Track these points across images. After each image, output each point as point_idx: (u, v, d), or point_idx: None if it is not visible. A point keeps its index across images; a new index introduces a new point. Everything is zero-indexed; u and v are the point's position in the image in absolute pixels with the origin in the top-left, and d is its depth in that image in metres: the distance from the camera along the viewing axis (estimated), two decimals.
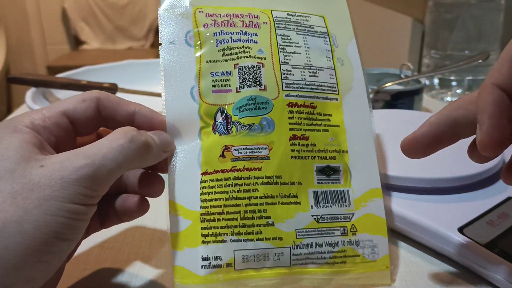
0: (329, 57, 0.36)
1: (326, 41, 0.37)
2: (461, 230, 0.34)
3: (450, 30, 0.74)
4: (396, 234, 0.39)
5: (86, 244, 0.37)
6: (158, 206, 0.36)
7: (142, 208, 0.32)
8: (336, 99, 0.35)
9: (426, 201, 0.37)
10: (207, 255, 0.31)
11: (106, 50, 2.80)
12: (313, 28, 0.37)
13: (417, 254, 0.36)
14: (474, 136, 0.27)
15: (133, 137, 0.28)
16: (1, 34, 2.30)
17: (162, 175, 0.33)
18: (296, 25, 0.37)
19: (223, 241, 0.31)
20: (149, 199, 0.32)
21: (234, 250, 0.31)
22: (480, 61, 0.65)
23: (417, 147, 0.28)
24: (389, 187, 0.39)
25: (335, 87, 0.36)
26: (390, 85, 0.64)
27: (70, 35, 2.81)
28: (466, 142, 0.29)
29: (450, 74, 0.76)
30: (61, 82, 0.70)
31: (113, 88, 0.69)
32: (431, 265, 0.35)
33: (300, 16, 0.37)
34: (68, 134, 0.30)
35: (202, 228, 0.31)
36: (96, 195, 0.27)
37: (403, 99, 0.63)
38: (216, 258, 0.31)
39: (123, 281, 0.33)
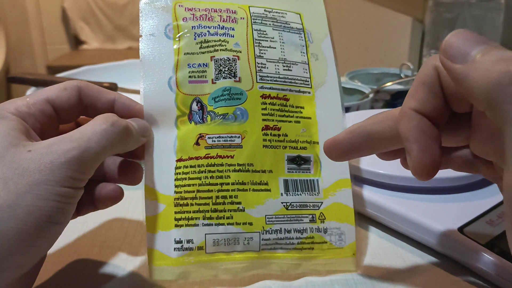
0: (304, 52, 0.38)
1: (301, 37, 0.38)
2: (461, 230, 0.34)
3: (450, 30, 0.74)
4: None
5: (86, 243, 0.38)
6: None
7: (117, 196, 0.33)
8: (309, 93, 0.37)
9: (426, 201, 0.38)
10: (180, 238, 0.32)
11: (106, 50, 2.80)
12: (289, 24, 0.39)
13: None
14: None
15: (114, 122, 0.29)
16: (1, 34, 2.31)
17: (140, 162, 0.34)
18: (273, 21, 0.38)
19: (195, 225, 0.32)
20: None
21: (205, 234, 0.32)
22: None
23: (334, 151, 0.29)
24: (390, 186, 0.40)
25: (308, 81, 0.37)
26: (390, 85, 0.65)
27: (70, 34, 2.82)
28: None
29: None
30: (61, 82, 0.70)
31: (113, 88, 0.69)
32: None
33: (276, 12, 0.39)
34: (52, 120, 0.31)
35: (175, 212, 0.32)
36: (83, 178, 0.27)
37: (403, 99, 0.63)
38: (188, 241, 0.32)
39: (123, 281, 0.34)
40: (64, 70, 0.80)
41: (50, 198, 0.25)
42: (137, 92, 0.69)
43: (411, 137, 0.25)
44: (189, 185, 0.33)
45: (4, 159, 0.25)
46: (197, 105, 0.34)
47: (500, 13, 0.73)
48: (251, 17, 0.38)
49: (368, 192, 0.40)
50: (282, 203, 0.33)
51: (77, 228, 0.40)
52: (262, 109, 0.35)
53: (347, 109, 0.55)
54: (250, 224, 0.32)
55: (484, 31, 0.73)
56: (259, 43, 0.37)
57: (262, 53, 0.36)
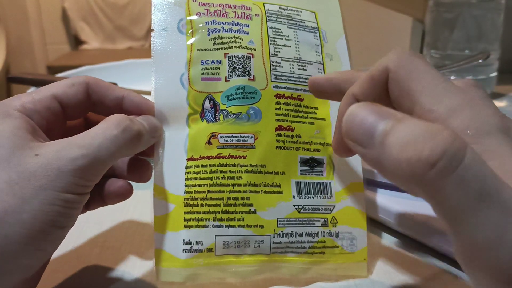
0: (318, 52, 0.37)
1: (316, 36, 0.38)
2: None
3: (450, 30, 0.74)
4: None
5: (87, 244, 0.38)
6: None
7: (126, 192, 0.32)
8: None
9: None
10: (189, 239, 0.31)
11: (106, 50, 2.80)
12: (304, 22, 0.38)
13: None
14: None
15: (127, 127, 0.28)
16: (1, 34, 2.31)
17: (149, 160, 0.33)
18: (288, 19, 0.37)
19: (205, 226, 0.31)
20: None
21: (215, 236, 0.31)
22: (480, 60, 0.65)
23: (313, 90, 0.33)
24: (391, 186, 0.39)
25: None
26: None
27: (70, 34, 2.82)
28: None
29: (450, 74, 0.75)
30: None
31: None
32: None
33: (291, 10, 0.38)
34: (58, 117, 0.30)
35: (185, 213, 0.31)
36: (89, 185, 0.27)
37: None
38: (197, 243, 0.31)
39: (124, 281, 0.33)
40: (64, 70, 0.80)
41: (56, 204, 0.25)
42: (137, 92, 0.69)
43: (340, 117, 0.28)
44: (199, 185, 0.32)
45: (10, 162, 0.25)
46: (209, 103, 0.33)
47: (500, 13, 0.73)
48: (266, 14, 0.37)
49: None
50: (294, 206, 0.33)
51: (77, 228, 0.39)
52: (276, 109, 0.34)
53: None
54: (261, 226, 0.32)
55: (484, 31, 0.73)
56: (274, 41, 0.36)
57: (277, 52, 0.35)
